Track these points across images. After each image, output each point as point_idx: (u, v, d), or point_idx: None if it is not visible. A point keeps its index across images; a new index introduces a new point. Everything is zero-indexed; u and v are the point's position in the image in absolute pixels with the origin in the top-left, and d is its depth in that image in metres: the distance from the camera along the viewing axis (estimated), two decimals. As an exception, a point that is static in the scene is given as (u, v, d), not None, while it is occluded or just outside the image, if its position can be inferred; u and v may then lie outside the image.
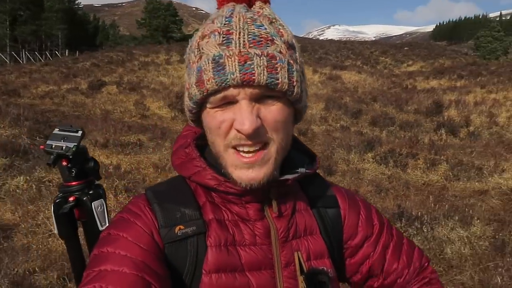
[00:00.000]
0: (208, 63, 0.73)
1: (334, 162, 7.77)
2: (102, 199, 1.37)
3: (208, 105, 0.77)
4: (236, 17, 0.74)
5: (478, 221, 5.26)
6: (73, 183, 1.35)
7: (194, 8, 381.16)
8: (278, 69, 0.72)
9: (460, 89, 16.31)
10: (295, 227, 0.89)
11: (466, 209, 5.64)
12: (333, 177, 6.95)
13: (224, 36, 0.73)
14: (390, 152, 8.16)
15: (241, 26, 0.73)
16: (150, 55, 27.00)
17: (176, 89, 16.03)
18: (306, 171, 0.89)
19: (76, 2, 61.13)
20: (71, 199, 1.33)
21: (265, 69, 0.71)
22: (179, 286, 0.81)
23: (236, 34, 0.72)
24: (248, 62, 0.71)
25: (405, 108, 13.12)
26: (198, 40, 0.78)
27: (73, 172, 1.36)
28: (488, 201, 6.19)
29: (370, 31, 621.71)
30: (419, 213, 5.34)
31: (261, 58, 0.71)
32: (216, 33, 0.74)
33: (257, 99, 0.74)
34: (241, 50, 0.71)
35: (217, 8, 0.82)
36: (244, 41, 0.72)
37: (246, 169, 0.77)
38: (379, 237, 0.99)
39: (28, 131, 7.98)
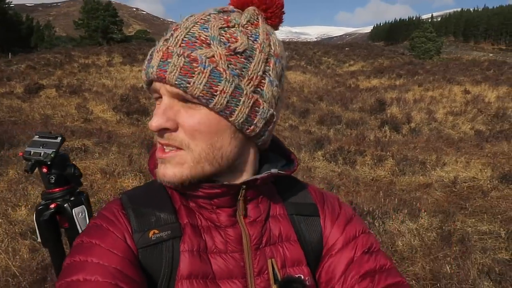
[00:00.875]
0: (148, 54, 0.76)
1: (286, 161, 7.85)
2: (83, 206, 1.38)
3: None
4: (194, 17, 0.75)
5: (425, 213, 5.50)
6: (55, 190, 1.36)
7: (134, 9, 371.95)
8: (196, 73, 0.70)
9: (400, 87, 17.04)
10: (269, 233, 0.85)
11: (414, 202, 5.88)
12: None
13: (171, 32, 0.75)
14: (339, 150, 8.36)
15: (186, 26, 0.73)
16: (91, 56, 26.02)
17: (120, 91, 15.55)
18: (279, 171, 0.84)
19: (7, 1, 57.67)
20: (52, 206, 1.34)
21: (179, 69, 0.70)
22: None
23: (177, 32, 0.73)
24: (168, 60, 0.71)
25: (350, 106, 13.52)
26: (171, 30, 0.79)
27: (52, 178, 1.38)
28: (432, 193, 6.49)
29: (312, 32, 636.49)
30: (371, 208, 5.50)
31: (180, 58, 0.70)
32: (172, 28, 0.76)
33: (181, 100, 0.73)
34: (169, 47, 0.72)
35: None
36: (178, 39, 0.72)
37: (160, 164, 0.78)
38: (354, 246, 0.90)
39: (-41, 139, 7.41)
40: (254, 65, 0.75)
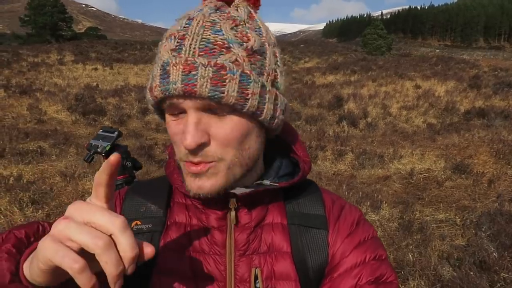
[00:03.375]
0: (158, 69, 0.71)
1: (249, 158, 7.90)
2: None
3: (166, 112, 0.76)
4: (196, 20, 0.70)
5: (386, 204, 5.72)
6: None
7: (84, 5, 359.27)
8: (227, 80, 0.67)
9: (355, 83, 17.52)
10: (259, 241, 0.82)
11: (375, 195, 6.09)
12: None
13: (178, 41, 0.69)
14: (300, 146, 8.51)
15: (196, 32, 0.69)
16: (40, 55, 25.02)
17: (74, 91, 15.05)
18: (271, 184, 0.83)
19: None
20: None
21: (209, 80, 0.66)
22: (132, 280, 0.78)
23: (188, 40, 0.68)
24: (193, 72, 0.66)
25: (309, 103, 13.75)
26: (162, 41, 0.74)
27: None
28: (391, 185, 6.75)
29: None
30: (335, 201, 5.65)
31: (207, 68, 0.66)
32: (173, 37, 0.70)
33: (208, 111, 0.71)
34: (188, 58, 0.67)
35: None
36: (194, 48, 0.68)
37: (194, 178, 0.75)
38: (360, 273, 0.81)
39: None
40: (269, 60, 0.75)
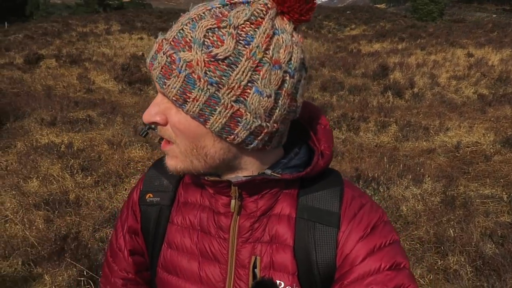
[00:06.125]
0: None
1: (290, 129, 7.88)
2: None
3: None
4: (195, 10, 0.72)
5: (429, 178, 5.59)
6: None
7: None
8: (172, 75, 0.68)
9: (402, 51, 16.85)
10: (263, 230, 0.83)
11: (417, 168, 5.97)
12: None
13: (175, 24, 0.73)
14: (342, 117, 8.39)
15: (182, 21, 0.71)
16: (88, 25, 25.57)
17: (121, 60, 15.39)
18: (272, 174, 0.80)
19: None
20: None
21: (160, 68, 0.70)
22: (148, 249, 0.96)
23: (176, 26, 0.71)
24: (157, 54, 0.71)
25: (353, 72, 13.42)
26: None
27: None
28: (435, 159, 6.57)
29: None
30: (375, 174, 5.59)
31: (163, 57, 0.70)
32: (180, 19, 0.74)
33: None
34: (163, 40, 0.71)
35: None
36: (171, 35, 0.71)
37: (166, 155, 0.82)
38: (372, 282, 0.76)
39: (-35, 112, 7.44)
40: (237, 74, 0.67)
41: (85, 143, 6.69)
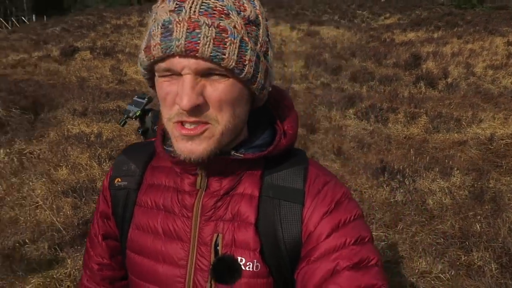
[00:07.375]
0: (158, 28, 0.70)
1: (317, 120, 7.81)
2: None
3: (156, 73, 0.76)
4: None
5: (458, 171, 5.43)
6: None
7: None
8: (227, 43, 0.68)
9: (438, 40, 16.30)
10: (225, 209, 0.84)
11: (446, 160, 5.80)
12: (316, 135, 7.02)
13: (177, 3, 0.70)
14: (371, 107, 8.23)
15: None
16: (122, 17, 26.03)
17: (152, 52, 15.60)
18: (234, 154, 0.82)
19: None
20: None
21: (212, 40, 0.67)
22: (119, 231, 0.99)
23: (188, 3, 0.68)
24: (197, 30, 0.66)
25: (384, 62, 13.11)
26: (157, 3, 0.75)
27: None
28: (467, 151, 6.35)
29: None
30: (401, 166, 5.47)
31: (210, 28, 0.67)
32: (169, 0, 0.71)
33: (204, 74, 0.71)
34: (192, 16, 0.67)
35: None
36: (195, 10, 0.68)
37: (186, 141, 0.75)
38: (338, 257, 0.77)
39: (2, 102, 7.74)
40: (262, 32, 0.76)
41: (114, 133, 6.85)
